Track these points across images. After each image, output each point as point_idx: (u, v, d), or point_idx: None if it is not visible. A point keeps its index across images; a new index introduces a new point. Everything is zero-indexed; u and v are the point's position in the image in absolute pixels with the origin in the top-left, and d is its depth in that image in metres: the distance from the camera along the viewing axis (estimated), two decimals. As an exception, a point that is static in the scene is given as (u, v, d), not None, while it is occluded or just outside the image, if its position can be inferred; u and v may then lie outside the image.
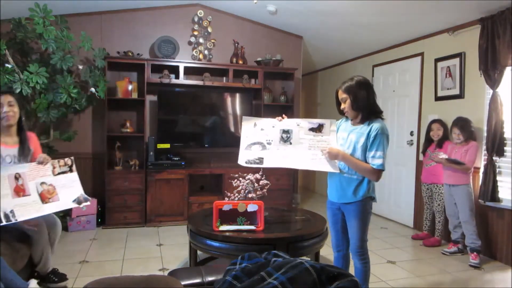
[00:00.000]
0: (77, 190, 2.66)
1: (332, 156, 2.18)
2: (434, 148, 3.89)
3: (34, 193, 2.44)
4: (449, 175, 3.60)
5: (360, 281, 2.25)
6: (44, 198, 2.47)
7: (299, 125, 2.32)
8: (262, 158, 2.30)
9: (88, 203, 2.69)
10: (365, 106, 2.18)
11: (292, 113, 5.10)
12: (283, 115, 2.40)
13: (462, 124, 3.53)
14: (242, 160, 2.34)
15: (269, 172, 3.44)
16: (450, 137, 3.80)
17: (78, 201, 2.62)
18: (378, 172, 2.14)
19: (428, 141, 3.99)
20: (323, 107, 6.65)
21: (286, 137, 2.31)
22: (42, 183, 2.51)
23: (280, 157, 2.29)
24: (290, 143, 2.30)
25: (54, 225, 2.68)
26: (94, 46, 4.20)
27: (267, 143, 2.33)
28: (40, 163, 2.55)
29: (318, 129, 2.28)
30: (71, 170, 2.69)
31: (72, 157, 2.76)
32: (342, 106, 2.23)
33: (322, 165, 2.22)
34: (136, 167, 4.48)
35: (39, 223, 2.54)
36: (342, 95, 2.21)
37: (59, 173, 2.62)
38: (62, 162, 2.66)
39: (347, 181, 2.22)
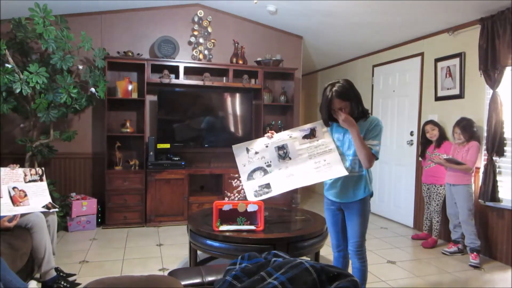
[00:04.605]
0: (46, 198, 2.84)
1: (351, 123, 2.03)
2: (433, 149, 3.89)
3: (6, 196, 2.60)
4: (450, 175, 3.60)
5: (359, 281, 2.26)
6: (15, 201, 2.63)
7: (291, 137, 2.22)
8: (269, 184, 2.16)
9: (56, 209, 2.86)
10: (362, 107, 2.16)
11: (292, 113, 5.11)
12: (271, 131, 2.31)
13: (465, 124, 3.52)
14: (250, 195, 2.18)
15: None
16: (451, 137, 3.81)
17: (47, 207, 2.79)
18: (373, 158, 2.10)
19: (425, 143, 3.99)
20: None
21: (283, 153, 2.20)
22: (14, 187, 2.68)
23: (286, 178, 2.15)
24: (290, 158, 2.18)
25: (48, 215, 2.78)
26: (94, 46, 4.20)
27: (266, 166, 2.21)
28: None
29: (312, 134, 2.20)
30: (41, 179, 2.89)
31: (43, 168, 2.99)
32: (340, 114, 2.08)
33: (329, 173, 2.12)
34: (136, 167, 4.48)
35: (38, 216, 2.63)
36: (339, 104, 2.06)
37: (30, 181, 2.81)
38: (33, 171, 2.87)
39: (348, 179, 2.20)
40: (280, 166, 2.20)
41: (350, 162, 2.17)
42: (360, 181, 2.20)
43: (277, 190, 2.16)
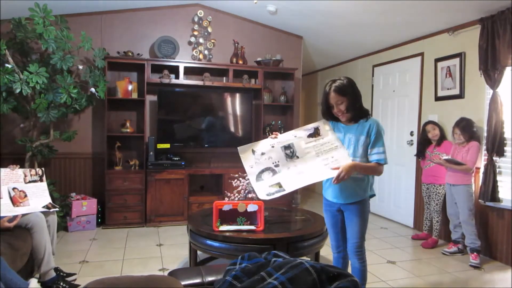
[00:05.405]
0: (46, 198, 2.83)
1: (350, 173, 2.04)
2: (433, 148, 3.90)
3: (6, 197, 2.60)
4: (450, 175, 3.60)
5: (359, 281, 2.26)
6: (15, 201, 2.63)
7: (296, 136, 2.21)
8: (280, 183, 2.13)
9: (57, 209, 2.85)
10: (359, 106, 2.18)
11: (292, 113, 5.11)
12: (275, 133, 2.30)
13: (464, 124, 3.52)
14: (262, 195, 2.14)
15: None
16: (451, 136, 3.81)
17: (47, 207, 2.77)
18: (381, 168, 2.16)
19: (424, 143, 3.99)
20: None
21: (290, 153, 2.18)
22: (14, 188, 2.67)
23: (296, 176, 2.13)
24: (297, 157, 2.17)
25: (48, 215, 2.77)
26: (94, 46, 4.20)
27: (274, 166, 2.18)
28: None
29: (316, 133, 2.19)
30: (41, 180, 2.88)
31: (43, 168, 2.97)
32: (336, 109, 2.14)
33: (337, 166, 2.09)
34: (136, 167, 4.48)
35: (38, 216, 2.62)
36: (336, 98, 2.11)
37: (30, 182, 2.80)
38: (33, 171, 2.86)
39: (348, 181, 2.20)
40: (289, 165, 2.17)
41: None
42: (360, 183, 2.21)
43: (289, 188, 2.12)
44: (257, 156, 2.23)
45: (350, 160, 2.11)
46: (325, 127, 2.22)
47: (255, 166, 2.22)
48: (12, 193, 2.65)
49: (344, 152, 2.13)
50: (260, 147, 2.26)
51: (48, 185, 4.11)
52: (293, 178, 2.13)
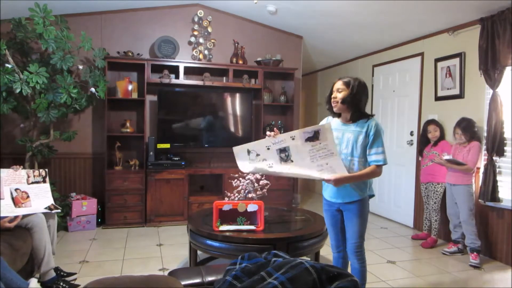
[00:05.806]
0: (49, 199, 2.82)
1: (337, 186, 2.14)
2: (429, 148, 3.91)
3: (8, 197, 2.59)
4: (451, 175, 3.60)
5: (359, 281, 2.26)
6: (17, 202, 2.62)
7: (294, 139, 2.17)
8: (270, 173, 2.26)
9: (59, 210, 2.84)
10: (357, 106, 2.18)
11: (292, 113, 5.11)
12: (276, 130, 2.27)
13: (465, 125, 3.52)
14: (245, 169, 2.26)
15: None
16: (452, 137, 3.81)
17: (49, 208, 2.76)
18: (378, 170, 2.15)
19: (424, 142, 4.01)
20: (323, 107, 6.61)
21: (285, 156, 2.18)
22: (16, 189, 2.66)
23: (286, 173, 2.21)
24: (292, 161, 2.17)
25: (49, 216, 2.76)
26: (94, 46, 4.20)
27: (268, 167, 2.22)
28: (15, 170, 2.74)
29: (315, 137, 2.14)
30: (44, 181, 2.85)
31: (46, 169, 2.94)
32: (334, 94, 2.22)
33: (331, 173, 2.11)
34: (136, 167, 4.48)
35: (38, 216, 2.62)
36: (340, 86, 2.21)
37: (32, 182, 2.78)
38: (36, 172, 2.84)
39: None
40: (282, 168, 2.19)
41: (348, 163, 2.18)
42: (359, 183, 2.20)
43: (275, 173, 2.22)
44: (252, 157, 2.24)
45: (345, 169, 2.11)
46: (325, 132, 2.14)
47: (248, 166, 2.25)
48: (15, 194, 2.64)
49: (339, 161, 2.11)
50: (256, 147, 2.25)
51: (49, 185, 4.10)
52: (282, 173, 2.22)
